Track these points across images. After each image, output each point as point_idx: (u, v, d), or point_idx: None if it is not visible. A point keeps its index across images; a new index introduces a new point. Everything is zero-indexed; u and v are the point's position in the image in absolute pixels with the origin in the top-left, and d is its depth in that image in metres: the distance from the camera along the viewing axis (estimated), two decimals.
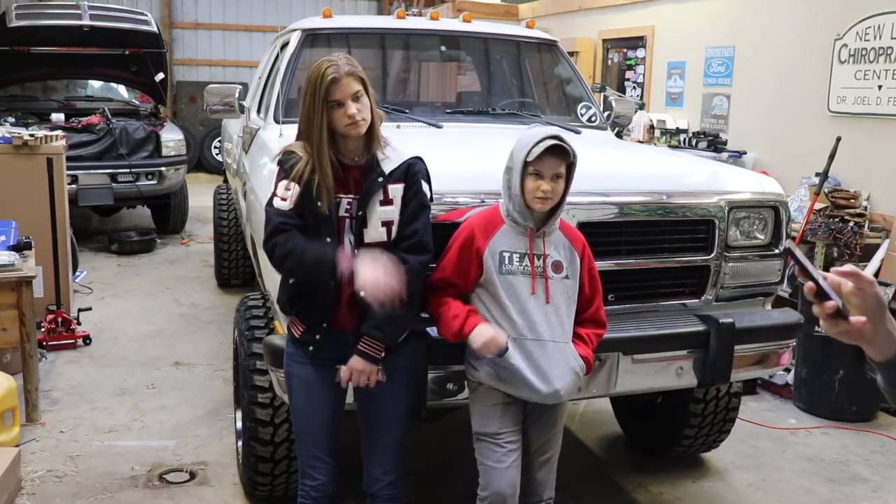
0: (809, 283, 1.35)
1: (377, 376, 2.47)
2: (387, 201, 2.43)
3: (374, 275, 2.30)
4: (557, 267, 2.55)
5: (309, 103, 2.40)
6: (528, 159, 2.44)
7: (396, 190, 2.44)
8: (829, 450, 4.26)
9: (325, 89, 2.34)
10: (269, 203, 2.45)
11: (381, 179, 2.43)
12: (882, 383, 1.44)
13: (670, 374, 2.99)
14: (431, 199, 2.53)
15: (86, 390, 4.63)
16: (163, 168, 8.26)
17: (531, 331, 2.49)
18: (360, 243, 2.43)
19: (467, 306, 2.52)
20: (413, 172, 2.47)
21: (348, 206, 2.43)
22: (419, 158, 2.51)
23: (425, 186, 2.49)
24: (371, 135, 2.44)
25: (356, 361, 2.43)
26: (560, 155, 2.46)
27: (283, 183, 2.42)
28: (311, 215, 2.41)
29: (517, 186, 2.47)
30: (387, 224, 2.44)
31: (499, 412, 2.57)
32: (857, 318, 1.34)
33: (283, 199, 2.41)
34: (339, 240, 2.42)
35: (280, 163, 2.48)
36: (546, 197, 2.46)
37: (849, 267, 1.38)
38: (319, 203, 2.38)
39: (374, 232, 2.43)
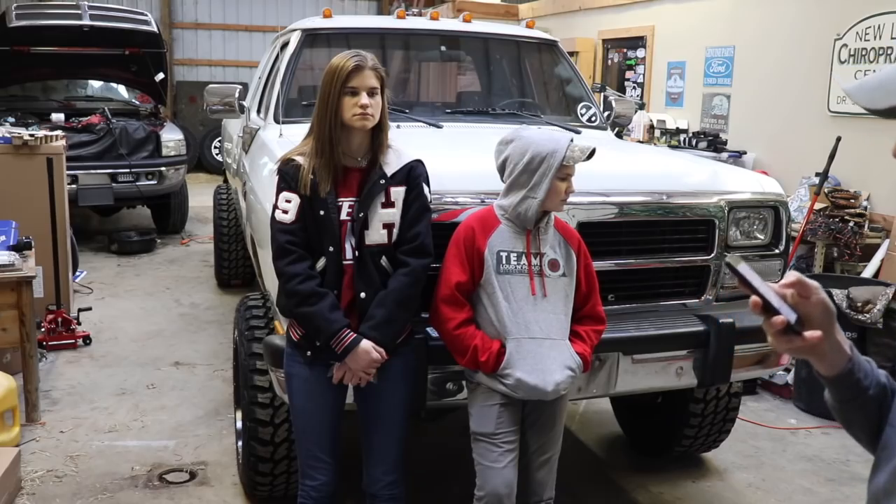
0: (754, 298, 1.22)
1: (369, 377, 2.47)
2: (388, 204, 2.45)
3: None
4: (554, 265, 2.56)
5: (324, 90, 2.42)
6: (566, 163, 2.47)
7: (398, 193, 2.46)
8: (829, 450, 4.26)
9: (346, 75, 2.38)
10: (273, 216, 2.47)
11: (383, 181, 2.44)
12: (831, 401, 1.32)
13: (670, 374, 2.99)
14: (430, 201, 2.54)
15: (86, 390, 4.63)
16: (163, 168, 8.25)
17: (527, 330, 2.49)
18: (360, 246, 2.43)
19: (494, 341, 2.51)
20: (415, 175, 2.49)
21: (350, 209, 2.43)
22: (420, 161, 2.52)
23: (426, 189, 2.51)
24: (377, 136, 2.46)
25: (350, 360, 2.42)
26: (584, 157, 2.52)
27: (284, 195, 2.44)
28: (312, 222, 2.42)
29: (544, 189, 2.47)
30: (388, 227, 2.45)
31: (497, 412, 2.57)
32: (811, 333, 1.20)
33: (285, 212, 2.43)
34: (340, 244, 2.42)
35: (280, 172, 2.49)
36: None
37: (793, 274, 1.24)
38: (322, 212, 2.40)
39: (376, 234, 2.44)
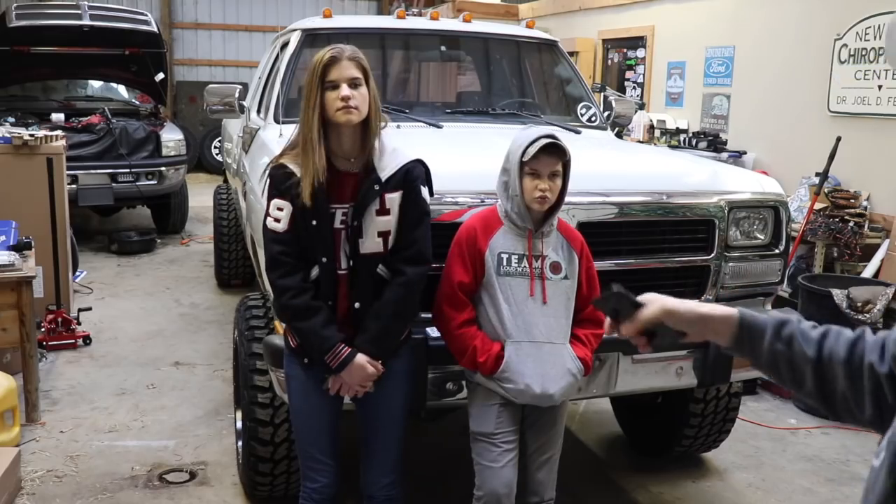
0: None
1: (365, 388, 2.44)
2: (383, 211, 2.34)
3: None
4: (556, 268, 2.55)
5: (305, 88, 2.31)
6: (524, 159, 2.44)
7: (393, 199, 2.35)
8: (829, 450, 4.26)
9: (323, 69, 2.26)
10: (264, 224, 2.39)
11: (377, 187, 2.32)
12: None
13: (670, 374, 2.99)
14: (432, 193, 2.44)
15: (86, 390, 4.63)
16: (163, 168, 8.25)
17: (528, 333, 2.49)
18: (355, 255, 2.35)
19: (494, 343, 2.51)
20: (411, 178, 2.36)
21: (343, 217, 2.34)
22: (418, 162, 2.41)
23: (425, 192, 2.40)
24: (367, 131, 2.34)
25: (345, 374, 2.39)
26: (555, 153, 2.46)
27: (276, 202, 2.34)
28: (304, 232, 2.33)
29: (516, 187, 2.46)
30: (384, 235, 2.35)
31: (496, 412, 2.57)
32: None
33: (277, 221, 2.33)
34: (334, 254, 2.34)
35: (271, 177, 2.39)
36: (544, 196, 2.45)
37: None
38: (314, 221, 2.31)
39: (371, 242, 2.35)
